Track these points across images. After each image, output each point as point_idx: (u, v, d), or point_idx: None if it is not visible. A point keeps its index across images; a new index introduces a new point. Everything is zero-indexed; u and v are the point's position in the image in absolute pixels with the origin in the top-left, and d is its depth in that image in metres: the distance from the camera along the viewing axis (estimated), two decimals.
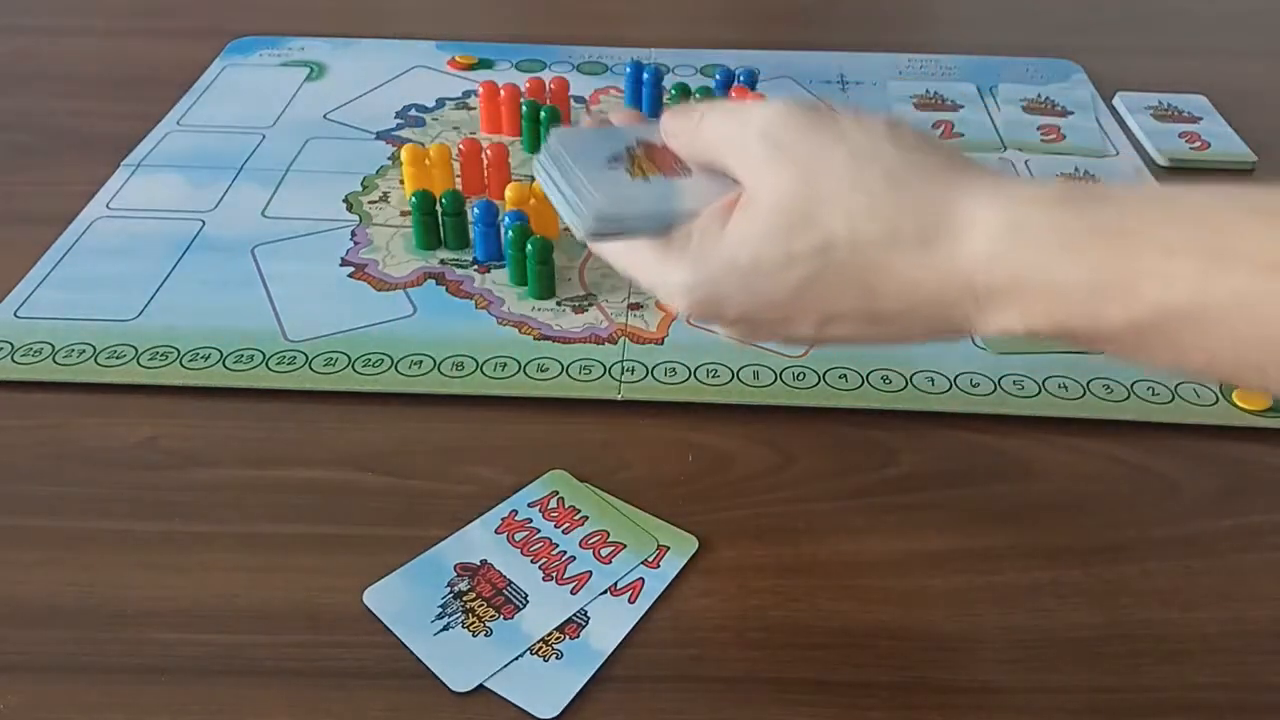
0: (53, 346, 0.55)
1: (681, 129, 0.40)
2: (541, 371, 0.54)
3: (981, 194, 0.35)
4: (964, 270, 0.34)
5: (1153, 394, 0.53)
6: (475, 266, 0.61)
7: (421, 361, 0.54)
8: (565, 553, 0.45)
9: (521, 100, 0.72)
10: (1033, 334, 0.35)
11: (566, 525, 0.46)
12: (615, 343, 0.56)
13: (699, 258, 0.38)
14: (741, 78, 0.76)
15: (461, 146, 0.66)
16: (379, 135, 0.74)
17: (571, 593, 0.43)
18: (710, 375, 0.53)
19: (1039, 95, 0.80)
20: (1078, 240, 0.33)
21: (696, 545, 0.45)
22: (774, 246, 0.36)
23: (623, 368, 0.54)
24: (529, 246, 0.58)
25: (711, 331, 0.40)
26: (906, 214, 0.35)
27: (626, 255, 0.40)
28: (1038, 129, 0.76)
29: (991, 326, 0.35)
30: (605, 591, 0.43)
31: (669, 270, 0.38)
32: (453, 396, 0.52)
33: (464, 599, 0.43)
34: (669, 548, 0.45)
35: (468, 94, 0.79)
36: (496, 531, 0.46)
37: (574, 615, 0.42)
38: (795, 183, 0.36)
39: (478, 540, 0.45)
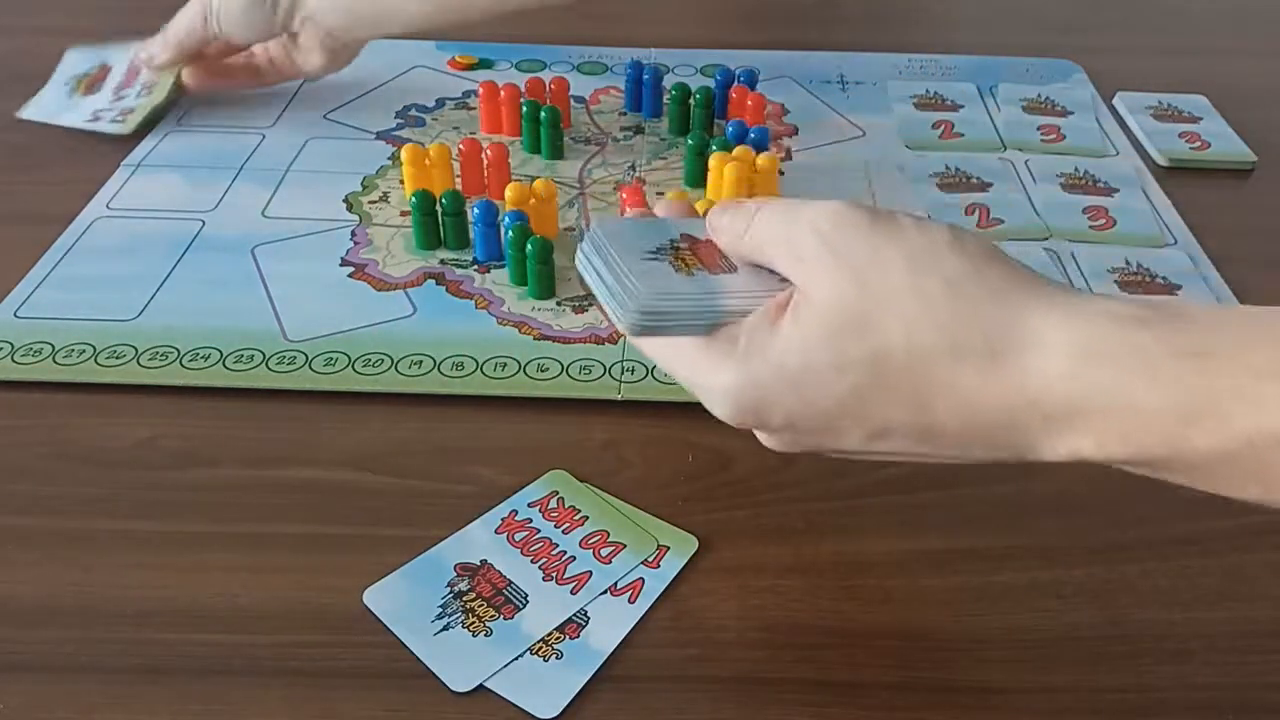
0: (53, 346, 0.55)
1: (730, 227, 0.38)
2: (541, 371, 0.54)
3: (1052, 310, 0.33)
4: (1033, 390, 0.33)
5: None
6: (475, 266, 0.61)
7: (421, 361, 0.54)
8: (565, 553, 0.45)
9: (521, 100, 0.72)
10: (1107, 462, 0.33)
11: (566, 525, 0.46)
12: (615, 343, 0.56)
13: (745, 360, 0.36)
14: (741, 78, 0.76)
15: (461, 146, 0.66)
16: (379, 135, 0.74)
17: (571, 593, 0.43)
18: None
19: (1039, 95, 0.80)
20: (1159, 363, 0.32)
21: (696, 545, 0.45)
22: (826, 352, 0.34)
23: (623, 368, 0.54)
24: (529, 246, 0.58)
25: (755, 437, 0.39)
26: (969, 326, 0.33)
27: (669, 353, 0.38)
28: (1038, 129, 0.76)
29: (1061, 451, 0.34)
30: (605, 591, 0.43)
31: (713, 372, 0.37)
32: (453, 396, 0.52)
33: (464, 599, 0.43)
34: (669, 548, 0.45)
35: (468, 94, 0.79)
36: (496, 531, 0.46)
37: (574, 615, 0.42)
38: (851, 286, 0.34)
39: (478, 540, 0.45)
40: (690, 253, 0.38)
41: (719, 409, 0.37)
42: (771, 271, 0.37)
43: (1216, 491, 0.33)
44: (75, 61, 0.79)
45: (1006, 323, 0.33)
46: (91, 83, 0.77)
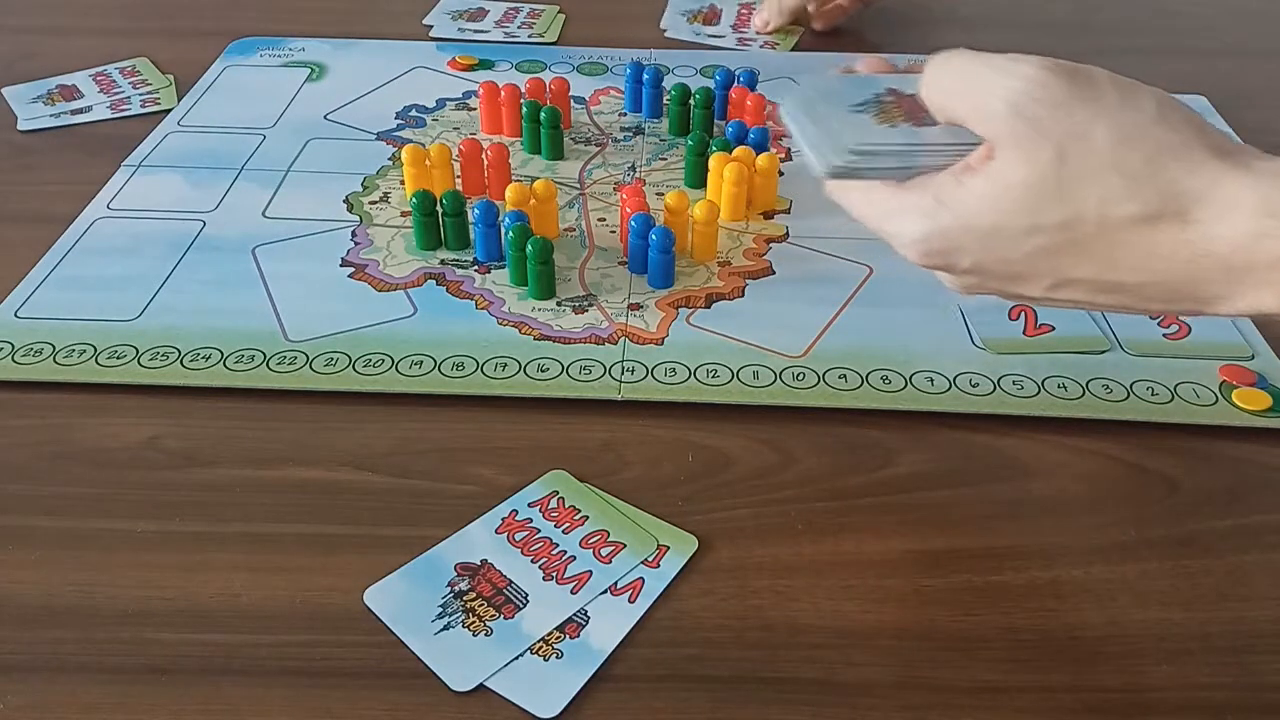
0: (53, 346, 0.55)
1: (927, 79, 0.40)
2: (541, 371, 0.54)
3: (1246, 174, 0.35)
4: (1221, 249, 0.34)
5: (1152, 394, 0.53)
6: (475, 267, 0.61)
7: (422, 361, 0.54)
8: (565, 552, 0.45)
9: (521, 101, 0.72)
10: None
11: (566, 525, 0.46)
12: (615, 343, 0.56)
13: (936, 210, 0.37)
14: (741, 78, 0.76)
15: (462, 147, 0.66)
16: (379, 136, 0.74)
17: (571, 592, 0.43)
18: (710, 375, 0.53)
19: None
20: None
21: (696, 545, 0.45)
22: (1018, 216, 0.36)
23: (623, 368, 0.54)
24: (529, 247, 0.58)
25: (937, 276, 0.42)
26: (1165, 195, 0.35)
27: (861, 199, 0.40)
28: None
29: (1241, 305, 0.35)
30: (605, 591, 0.43)
31: (904, 219, 0.39)
32: (453, 396, 0.52)
33: (464, 599, 0.43)
34: (669, 548, 0.45)
35: (468, 94, 0.79)
36: (496, 531, 0.46)
37: (574, 615, 0.42)
38: (1050, 157, 0.35)
39: (478, 540, 0.45)
40: (895, 105, 0.40)
41: (908, 253, 0.39)
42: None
43: None
44: None
45: (1201, 189, 0.34)
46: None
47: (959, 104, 0.38)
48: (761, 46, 0.88)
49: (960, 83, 0.38)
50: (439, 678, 0.40)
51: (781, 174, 0.69)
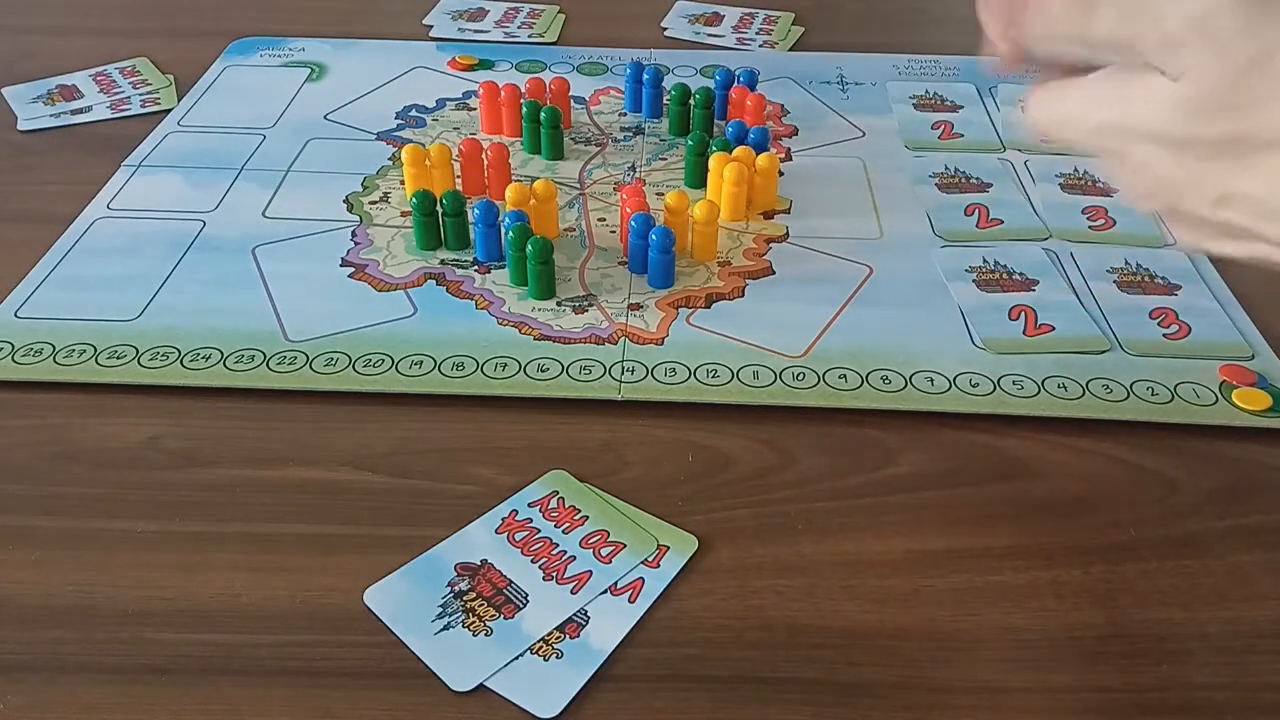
0: (53, 346, 0.55)
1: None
2: (541, 371, 0.54)
3: None
4: None
5: (1152, 394, 0.53)
6: (475, 267, 0.61)
7: (422, 361, 0.54)
8: (565, 552, 0.45)
9: (521, 101, 0.72)
10: None
11: (566, 525, 0.46)
12: (615, 343, 0.56)
13: (1109, 102, 0.36)
14: (741, 78, 0.76)
15: (462, 147, 0.66)
16: (379, 136, 0.74)
17: (571, 592, 0.43)
18: (710, 375, 0.53)
19: None
20: None
21: (696, 545, 0.45)
22: (1177, 125, 0.34)
23: (623, 368, 0.54)
24: (529, 247, 0.58)
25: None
26: None
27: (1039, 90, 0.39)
28: None
29: None
30: (605, 591, 0.43)
31: (1079, 106, 0.37)
32: (453, 396, 0.52)
33: (464, 599, 0.43)
34: (669, 547, 0.45)
35: (468, 94, 0.79)
36: (496, 531, 0.46)
37: (574, 615, 0.42)
38: (1228, 75, 0.33)
39: (478, 540, 0.45)
40: None
41: (1084, 142, 0.38)
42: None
43: None
44: None
45: None
46: None
47: (1129, 28, 0.35)
48: (761, 46, 0.88)
49: (1133, 6, 0.35)
50: (439, 678, 0.40)
51: (781, 174, 0.69)
